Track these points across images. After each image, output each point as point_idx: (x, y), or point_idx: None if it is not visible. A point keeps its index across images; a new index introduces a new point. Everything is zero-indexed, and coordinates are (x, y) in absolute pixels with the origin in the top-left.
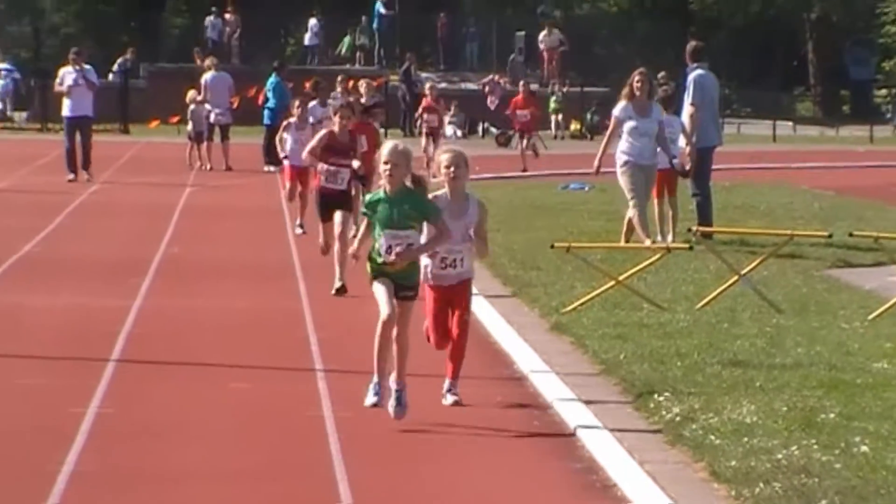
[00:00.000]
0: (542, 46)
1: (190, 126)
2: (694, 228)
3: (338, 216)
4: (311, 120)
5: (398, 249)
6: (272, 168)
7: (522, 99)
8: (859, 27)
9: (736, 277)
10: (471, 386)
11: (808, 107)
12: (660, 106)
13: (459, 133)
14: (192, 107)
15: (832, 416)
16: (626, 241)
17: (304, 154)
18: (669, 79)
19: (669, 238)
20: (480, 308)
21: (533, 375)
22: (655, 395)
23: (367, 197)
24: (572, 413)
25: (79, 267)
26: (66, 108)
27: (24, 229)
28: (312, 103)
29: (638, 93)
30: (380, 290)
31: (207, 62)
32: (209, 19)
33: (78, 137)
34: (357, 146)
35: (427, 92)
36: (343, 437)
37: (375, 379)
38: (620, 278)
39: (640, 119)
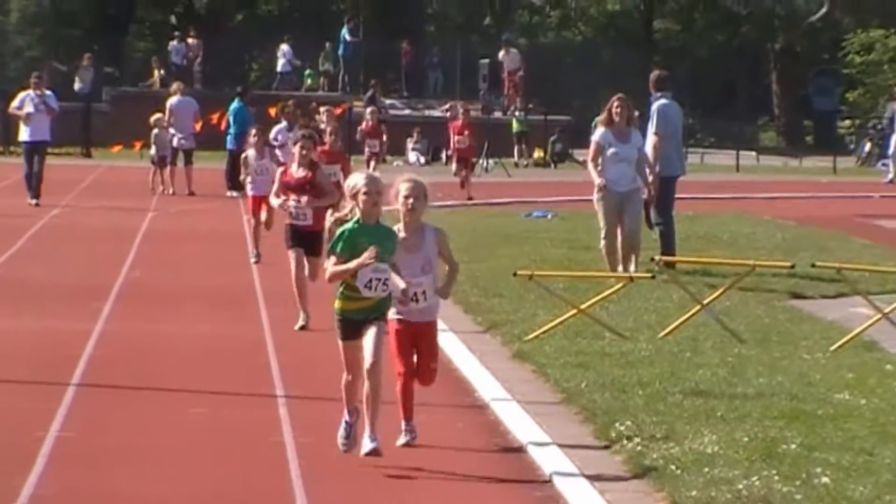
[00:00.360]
0: (504, 67)
1: (153, 150)
2: (657, 258)
3: (308, 262)
4: (277, 142)
5: (402, 286)
6: (234, 193)
7: (461, 125)
8: (823, 58)
9: (698, 307)
10: (432, 413)
11: (772, 137)
12: (639, 132)
13: (423, 160)
14: (155, 131)
15: (793, 446)
16: (613, 269)
17: (271, 199)
18: (633, 108)
19: (632, 267)
20: (442, 335)
21: (494, 403)
22: (616, 425)
23: (343, 230)
24: (542, 455)
25: (40, 290)
26: (24, 133)
27: None
28: (278, 126)
29: (617, 118)
30: (348, 352)
31: (173, 87)
32: (172, 44)
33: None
34: (317, 178)
35: (368, 117)
36: (303, 462)
37: (346, 415)
38: (582, 307)
39: (620, 144)
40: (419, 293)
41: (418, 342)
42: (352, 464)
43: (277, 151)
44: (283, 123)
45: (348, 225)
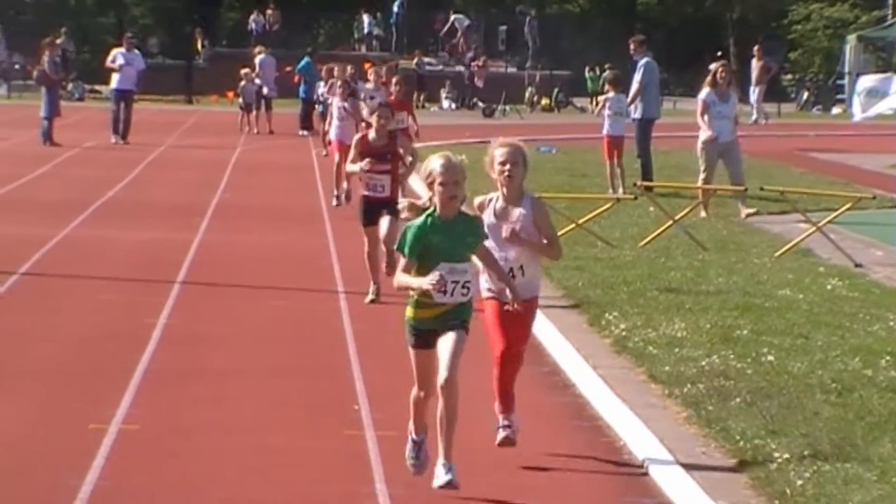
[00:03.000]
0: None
1: (241, 98)
2: (638, 183)
3: (383, 222)
4: (365, 103)
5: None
6: (305, 133)
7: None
8: (771, 25)
9: (671, 222)
10: None
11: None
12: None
13: (454, 106)
14: (243, 83)
15: (745, 332)
16: (706, 207)
17: (348, 164)
18: (616, 66)
19: (620, 191)
20: None
21: None
22: (606, 315)
23: (410, 228)
24: (544, 339)
25: (151, 208)
26: (114, 82)
27: (107, 179)
28: (369, 84)
29: (721, 81)
30: (419, 363)
31: (258, 48)
32: (252, 16)
33: (122, 107)
34: (396, 148)
35: (393, 87)
36: (359, 345)
37: (413, 434)
38: (580, 222)
39: (721, 104)
40: (516, 268)
41: (513, 319)
42: (400, 345)
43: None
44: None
45: (419, 220)
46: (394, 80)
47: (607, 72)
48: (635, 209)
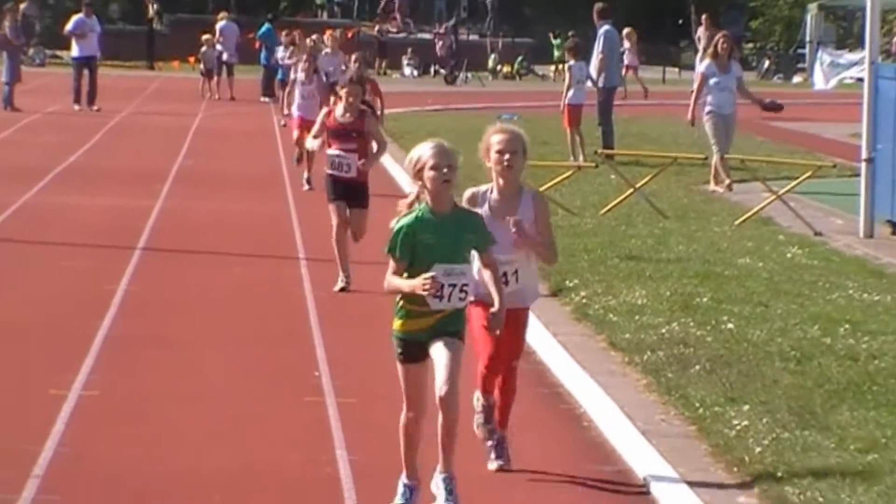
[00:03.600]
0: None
1: (202, 65)
2: (600, 151)
3: (352, 214)
4: (324, 72)
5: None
6: (267, 99)
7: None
8: None
9: (632, 190)
10: None
11: (691, 56)
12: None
13: (416, 73)
14: (204, 48)
15: (705, 300)
16: (716, 183)
17: (308, 140)
18: (578, 34)
19: (580, 158)
20: None
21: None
22: (567, 282)
23: (401, 224)
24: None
25: (113, 174)
26: (76, 49)
27: (68, 145)
28: (325, 54)
29: (721, 51)
30: (409, 380)
31: (221, 14)
32: None
33: (87, 74)
34: (365, 127)
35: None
36: (320, 313)
37: (404, 477)
38: (541, 189)
39: (722, 75)
40: (509, 273)
41: (504, 329)
42: (361, 312)
43: (323, 75)
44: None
45: (408, 217)
46: (353, 56)
47: (568, 40)
48: (596, 177)
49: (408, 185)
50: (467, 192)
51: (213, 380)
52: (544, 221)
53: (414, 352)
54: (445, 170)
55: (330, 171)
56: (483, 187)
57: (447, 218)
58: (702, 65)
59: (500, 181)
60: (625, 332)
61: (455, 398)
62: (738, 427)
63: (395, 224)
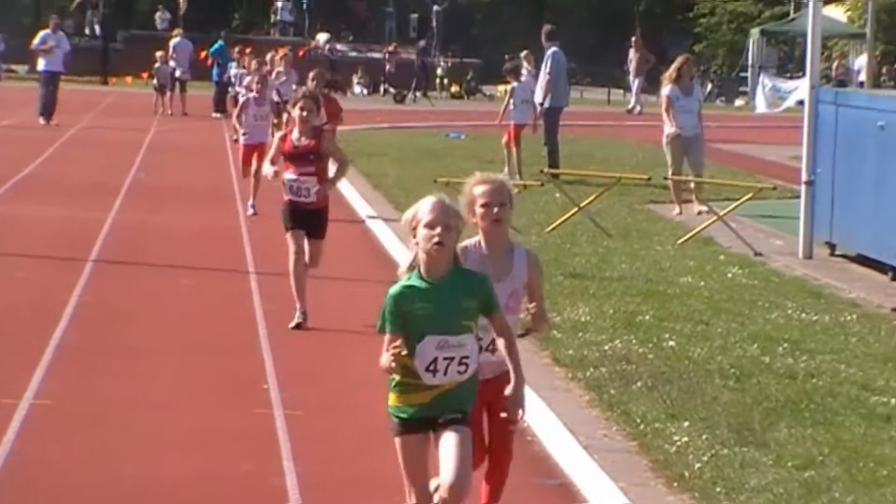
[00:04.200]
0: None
1: (155, 80)
2: (545, 170)
3: (310, 244)
4: (276, 93)
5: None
6: (219, 115)
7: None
8: (677, 18)
9: (577, 209)
10: (349, 273)
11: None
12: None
13: (365, 91)
14: (157, 65)
15: (648, 318)
16: (678, 201)
17: (265, 166)
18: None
19: (517, 177)
20: (375, 224)
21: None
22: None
23: (389, 297)
24: None
25: (66, 186)
26: (43, 64)
27: (22, 157)
28: (278, 73)
29: (685, 75)
30: (408, 459)
31: (175, 31)
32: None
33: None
34: (322, 147)
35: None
36: (269, 325)
37: None
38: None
39: (685, 98)
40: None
41: (490, 399)
42: (309, 325)
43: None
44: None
45: (397, 286)
46: (310, 74)
47: (507, 63)
48: (542, 196)
49: (363, 210)
50: (459, 247)
51: (164, 390)
52: (537, 285)
53: (412, 424)
54: (439, 229)
55: (288, 197)
56: (472, 241)
57: (442, 284)
58: (666, 88)
59: (487, 238)
60: (568, 349)
61: (466, 492)
62: (679, 443)
63: (389, 292)
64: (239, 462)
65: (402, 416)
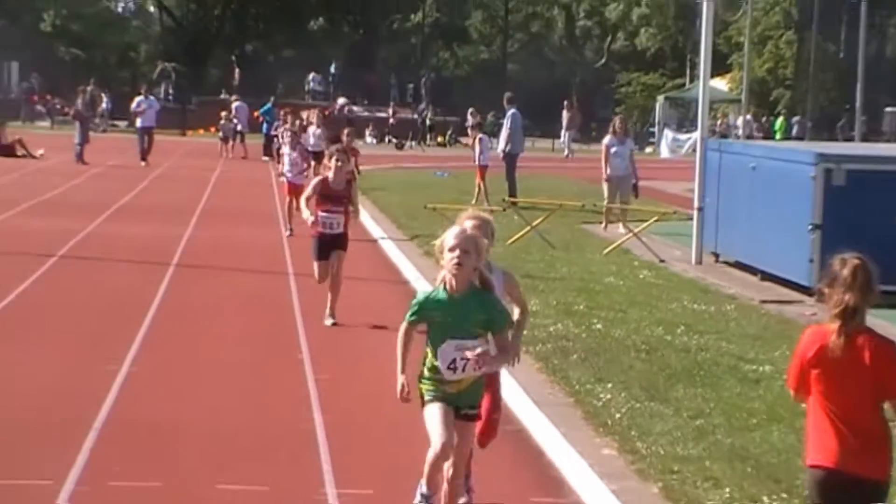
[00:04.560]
0: (423, 90)
1: (221, 133)
2: (506, 199)
3: (333, 256)
4: (310, 143)
5: (473, 361)
6: (266, 159)
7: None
8: (603, 87)
9: (529, 228)
10: (370, 284)
11: (574, 133)
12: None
13: (374, 141)
14: (222, 121)
15: (581, 307)
16: (608, 221)
17: (302, 203)
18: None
19: (485, 204)
20: (384, 242)
21: (415, 281)
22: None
23: (419, 297)
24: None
25: (155, 210)
26: (140, 121)
27: (123, 189)
28: (312, 129)
29: (619, 130)
30: (434, 416)
31: (234, 97)
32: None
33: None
34: (350, 193)
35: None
36: (303, 311)
37: (423, 486)
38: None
39: (619, 146)
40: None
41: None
42: (343, 318)
43: (308, 146)
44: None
45: (424, 293)
46: (346, 131)
47: (472, 119)
48: (504, 218)
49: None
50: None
51: (226, 357)
52: (517, 294)
53: (441, 400)
54: (458, 252)
55: (319, 230)
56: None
57: (460, 299)
58: (605, 139)
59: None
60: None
61: (460, 481)
62: (604, 399)
63: (420, 294)
64: (279, 412)
65: (433, 394)
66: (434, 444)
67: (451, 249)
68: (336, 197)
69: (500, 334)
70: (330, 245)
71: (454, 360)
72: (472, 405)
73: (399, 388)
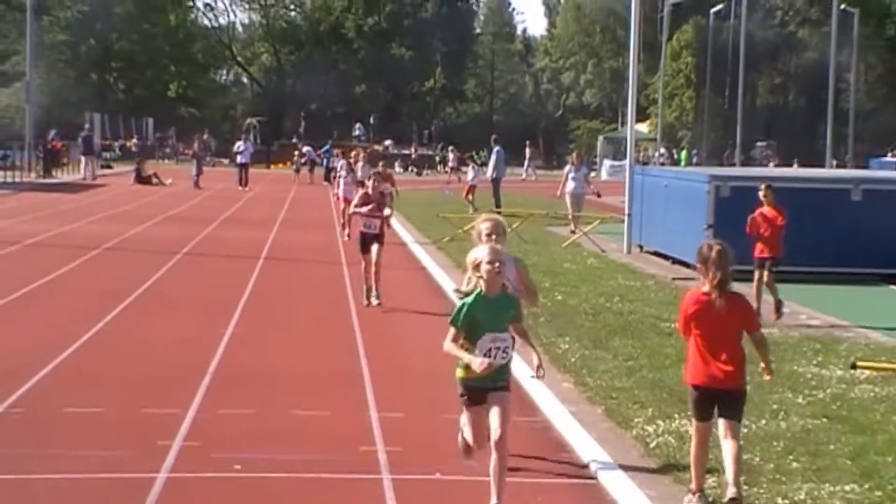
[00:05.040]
0: (433, 129)
1: (294, 166)
2: (494, 210)
3: (374, 248)
4: (359, 175)
5: (499, 352)
6: (327, 184)
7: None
8: (561, 130)
9: (510, 229)
10: (400, 264)
11: (540, 163)
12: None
13: (401, 170)
14: (295, 156)
15: (547, 284)
16: (573, 229)
17: (351, 209)
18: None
19: (470, 210)
20: (412, 245)
21: (427, 267)
22: (469, 276)
23: (464, 303)
24: (431, 284)
25: (248, 219)
26: (239, 158)
27: (225, 206)
28: (359, 164)
29: (576, 161)
30: (471, 421)
31: (303, 143)
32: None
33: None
34: (385, 201)
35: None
36: (353, 291)
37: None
38: (463, 229)
39: (576, 173)
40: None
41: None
42: (389, 312)
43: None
44: (361, 164)
45: (470, 299)
46: (381, 163)
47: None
48: None
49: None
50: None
51: (299, 322)
52: (526, 278)
53: (475, 397)
54: (497, 264)
55: (362, 230)
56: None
57: (495, 300)
58: (566, 167)
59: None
60: None
61: (506, 441)
62: (563, 348)
63: (460, 302)
64: (336, 359)
65: (468, 385)
66: (470, 441)
67: (490, 263)
68: (373, 202)
69: (519, 323)
70: (370, 241)
71: (489, 350)
72: (502, 380)
73: (479, 362)
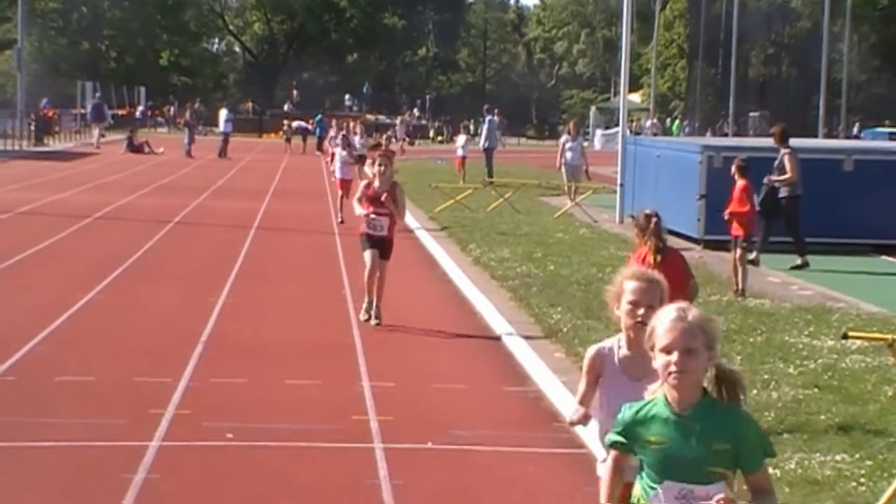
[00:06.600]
0: (428, 101)
1: (285, 135)
2: (486, 179)
3: (380, 264)
4: (357, 147)
5: None
6: (319, 153)
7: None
8: (554, 101)
9: (502, 199)
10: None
11: (533, 133)
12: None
13: (394, 140)
14: (286, 127)
15: (539, 255)
16: (572, 200)
17: (353, 204)
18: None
19: (460, 182)
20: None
21: (417, 231)
22: (468, 244)
23: (626, 410)
24: (435, 250)
25: (239, 189)
26: (222, 127)
27: (217, 176)
28: (356, 136)
29: (572, 131)
30: None
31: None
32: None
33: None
34: (395, 193)
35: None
36: (345, 260)
37: None
38: (457, 198)
39: (571, 143)
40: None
41: None
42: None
43: (357, 145)
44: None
45: (639, 404)
46: (384, 136)
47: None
48: (485, 193)
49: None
50: (591, 350)
51: (291, 292)
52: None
53: None
54: (676, 355)
55: (365, 231)
56: (608, 343)
57: (690, 416)
58: (562, 138)
59: (631, 335)
60: (498, 271)
61: None
62: (555, 319)
63: (624, 408)
64: (329, 330)
65: None
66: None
67: (667, 351)
68: (379, 199)
69: (756, 475)
70: (376, 244)
71: None
72: None
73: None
